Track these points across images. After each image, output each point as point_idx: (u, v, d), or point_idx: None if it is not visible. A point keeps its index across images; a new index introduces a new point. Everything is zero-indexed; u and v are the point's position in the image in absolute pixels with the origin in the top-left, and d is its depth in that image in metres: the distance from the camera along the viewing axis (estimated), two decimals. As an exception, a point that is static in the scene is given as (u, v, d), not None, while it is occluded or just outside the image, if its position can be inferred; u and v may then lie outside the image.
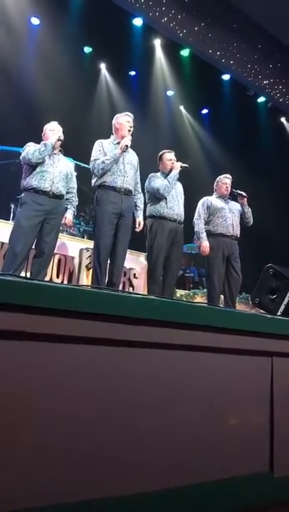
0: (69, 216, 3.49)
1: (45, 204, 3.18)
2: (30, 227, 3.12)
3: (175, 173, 3.67)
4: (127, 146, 3.28)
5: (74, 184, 3.53)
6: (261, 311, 2.71)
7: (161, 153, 3.84)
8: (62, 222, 3.45)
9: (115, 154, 3.26)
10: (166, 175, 3.69)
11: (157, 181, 3.65)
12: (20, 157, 3.32)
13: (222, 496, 1.30)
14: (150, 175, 3.75)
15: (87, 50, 7.75)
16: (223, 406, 1.37)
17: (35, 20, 7.06)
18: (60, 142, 3.34)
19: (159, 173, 3.77)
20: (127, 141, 3.31)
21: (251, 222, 4.08)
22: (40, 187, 3.18)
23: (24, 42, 6.95)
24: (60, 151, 3.41)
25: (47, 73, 6.93)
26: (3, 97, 6.38)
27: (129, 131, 3.37)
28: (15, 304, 1.00)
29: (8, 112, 6.22)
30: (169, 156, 3.77)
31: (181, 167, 3.70)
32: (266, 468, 1.44)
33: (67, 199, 3.45)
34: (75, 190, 3.55)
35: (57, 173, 3.27)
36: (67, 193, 3.45)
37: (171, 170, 3.69)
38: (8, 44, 6.67)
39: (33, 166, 3.22)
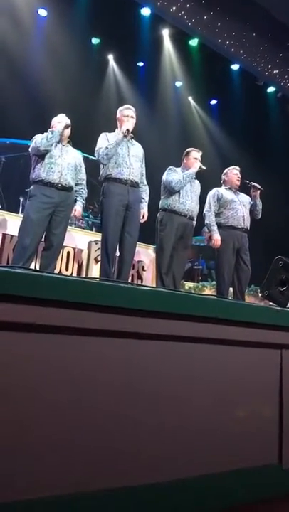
0: (78, 208, 3.48)
1: (54, 196, 3.18)
2: (39, 220, 3.13)
3: (192, 171, 3.67)
4: (128, 130, 3.26)
5: (83, 176, 3.51)
6: (270, 303, 2.70)
7: (189, 150, 3.82)
8: (72, 214, 3.44)
9: (118, 139, 3.25)
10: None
11: (173, 175, 3.65)
12: (30, 148, 3.32)
13: (231, 488, 1.31)
14: (169, 168, 3.74)
15: (95, 41, 7.70)
16: (231, 398, 1.37)
17: (42, 12, 7.02)
18: (68, 130, 3.32)
19: (179, 168, 3.76)
20: (128, 125, 3.29)
21: (260, 216, 4.04)
22: (48, 179, 3.17)
23: (32, 33, 6.92)
24: (68, 142, 3.39)
25: (55, 65, 6.90)
26: (11, 90, 6.37)
27: (128, 121, 3.35)
28: (24, 296, 1.00)
29: (16, 104, 6.22)
30: (195, 155, 3.76)
31: (199, 168, 3.69)
32: (275, 460, 1.44)
33: (76, 191, 3.44)
34: (84, 182, 3.53)
35: (65, 164, 3.26)
36: (77, 184, 3.44)
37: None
38: (16, 36, 6.65)
39: (41, 158, 3.21)
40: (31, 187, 3.25)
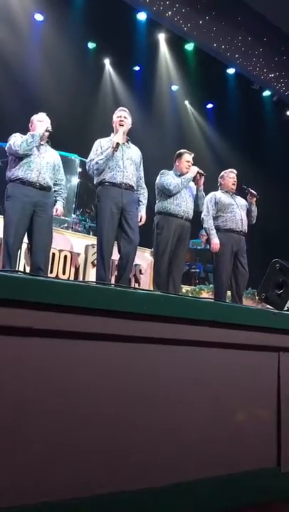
0: (60, 208, 3.44)
1: (32, 196, 3.14)
2: (19, 221, 3.09)
3: (190, 176, 3.67)
4: (118, 143, 3.26)
5: (62, 176, 3.48)
6: (268, 306, 2.70)
7: (181, 151, 3.80)
8: (54, 213, 3.39)
9: (108, 153, 3.25)
10: (179, 175, 3.69)
11: (168, 178, 3.64)
12: (6, 147, 3.26)
13: (229, 491, 1.31)
14: (161, 171, 3.74)
15: (91, 45, 7.72)
16: (229, 401, 1.37)
17: (38, 17, 7.04)
18: (47, 133, 3.30)
19: (171, 171, 3.75)
20: (118, 138, 3.28)
21: (254, 222, 4.07)
22: (26, 178, 3.14)
23: (28, 38, 6.93)
24: (47, 142, 3.36)
25: (51, 69, 6.91)
26: (7, 94, 6.38)
27: (121, 125, 3.34)
28: (22, 300, 1.00)
29: (12, 108, 6.22)
30: (187, 158, 3.74)
31: (197, 172, 3.69)
32: (273, 463, 1.44)
33: (55, 191, 3.41)
34: (63, 182, 3.50)
35: (44, 163, 3.23)
36: (56, 184, 3.40)
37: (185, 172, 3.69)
38: (12, 40, 6.66)
39: (19, 157, 3.18)
40: (8, 186, 3.19)
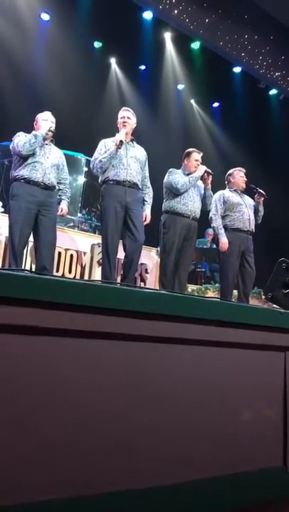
0: (64, 207, 3.45)
1: (37, 195, 3.15)
2: (24, 220, 3.11)
3: (198, 175, 3.66)
4: (121, 141, 3.26)
5: (66, 175, 3.48)
6: (274, 305, 2.69)
7: (190, 150, 3.79)
8: (59, 213, 3.40)
9: (112, 152, 3.26)
10: (187, 174, 3.68)
11: (176, 177, 3.64)
12: (10, 147, 3.27)
13: (235, 491, 1.30)
14: (169, 170, 3.74)
15: (97, 44, 7.73)
16: (235, 401, 1.37)
17: (45, 16, 7.06)
18: (50, 133, 3.31)
19: (179, 170, 3.75)
20: (121, 136, 3.29)
21: (260, 222, 4.05)
22: (31, 177, 3.15)
23: (34, 37, 6.95)
24: (51, 141, 3.37)
25: (57, 68, 6.93)
26: (13, 92, 6.40)
27: (124, 125, 3.34)
28: (28, 299, 1.00)
29: (19, 107, 6.24)
30: (196, 157, 3.74)
31: (205, 171, 3.68)
32: (279, 463, 1.44)
33: (60, 189, 3.42)
34: (67, 182, 3.51)
35: (49, 164, 3.24)
36: (60, 183, 3.41)
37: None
38: (19, 40, 6.68)
39: (24, 157, 3.19)
40: (13, 185, 3.20)
